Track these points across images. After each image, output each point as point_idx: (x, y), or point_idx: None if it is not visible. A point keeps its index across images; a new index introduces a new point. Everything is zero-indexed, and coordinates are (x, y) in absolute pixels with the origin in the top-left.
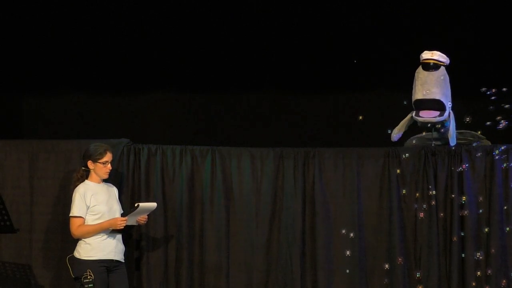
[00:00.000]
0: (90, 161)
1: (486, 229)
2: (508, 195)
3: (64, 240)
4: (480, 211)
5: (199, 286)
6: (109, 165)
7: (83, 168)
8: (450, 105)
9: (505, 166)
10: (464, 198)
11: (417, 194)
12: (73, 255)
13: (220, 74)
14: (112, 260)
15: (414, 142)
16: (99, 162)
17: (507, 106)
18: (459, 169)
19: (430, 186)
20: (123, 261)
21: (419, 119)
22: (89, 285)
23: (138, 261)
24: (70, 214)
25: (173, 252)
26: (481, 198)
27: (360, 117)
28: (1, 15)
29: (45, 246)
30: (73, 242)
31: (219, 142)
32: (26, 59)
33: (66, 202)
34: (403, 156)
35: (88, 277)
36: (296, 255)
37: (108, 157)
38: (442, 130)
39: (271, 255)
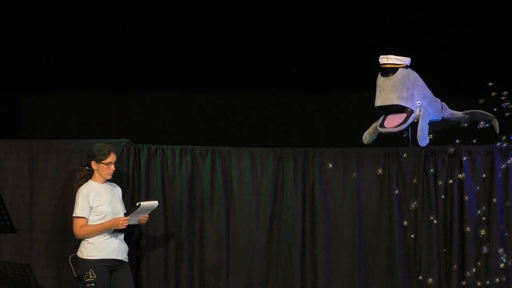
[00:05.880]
0: (93, 161)
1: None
2: (508, 195)
3: (64, 240)
4: (480, 211)
5: (199, 286)
6: (112, 166)
7: (86, 167)
8: (420, 104)
9: (505, 166)
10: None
11: (417, 194)
12: (76, 255)
13: (220, 74)
14: (114, 260)
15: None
16: (103, 163)
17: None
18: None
19: (429, 186)
20: (127, 260)
21: (381, 130)
22: (91, 285)
23: (138, 260)
24: (73, 215)
25: (173, 252)
26: (481, 198)
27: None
28: (1, 14)
29: (45, 246)
30: (73, 242)
31: (219, 142)
32: (26, 59)
33: (66, 202)
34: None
35: (90, 277)
36: (296, 255)
37: (111, 158)
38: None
39: (271, 255)
